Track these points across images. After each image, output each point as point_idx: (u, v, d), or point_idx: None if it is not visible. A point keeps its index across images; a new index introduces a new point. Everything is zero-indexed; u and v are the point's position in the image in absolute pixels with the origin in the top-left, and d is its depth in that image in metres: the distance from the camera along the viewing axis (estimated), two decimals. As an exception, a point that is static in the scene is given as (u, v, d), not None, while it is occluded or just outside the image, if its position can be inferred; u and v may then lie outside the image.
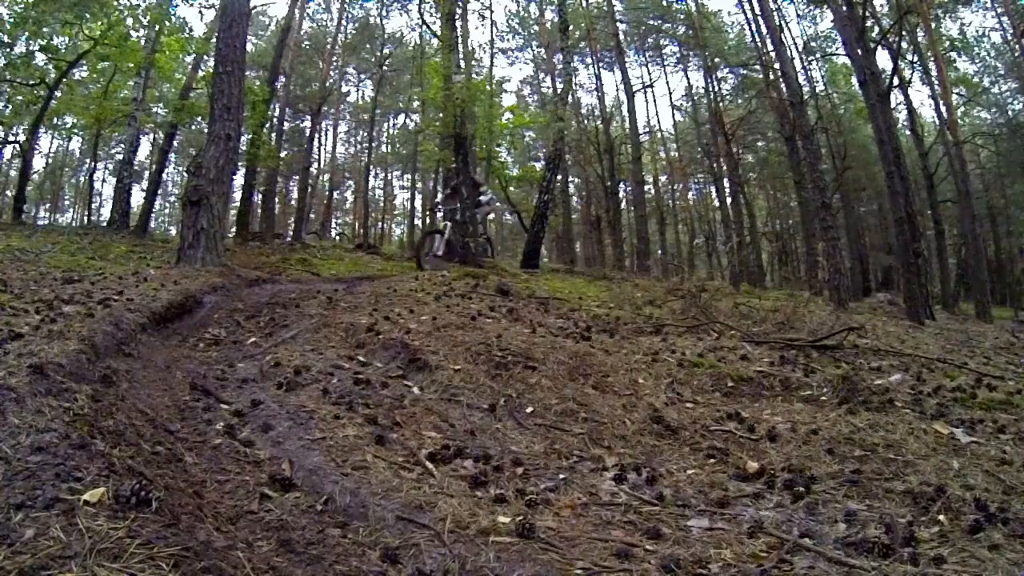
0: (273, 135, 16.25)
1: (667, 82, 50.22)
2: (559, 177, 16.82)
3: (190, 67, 14.23)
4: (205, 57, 13.03)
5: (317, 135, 23.50)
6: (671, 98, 34.39)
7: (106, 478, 1.41)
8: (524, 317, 4.77)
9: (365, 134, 27.25)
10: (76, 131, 18.89)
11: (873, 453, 2.39)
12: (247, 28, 7.72)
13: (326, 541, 1.57)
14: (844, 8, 10.47)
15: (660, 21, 20.50)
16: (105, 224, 13.84)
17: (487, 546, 1.64)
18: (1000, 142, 18.82)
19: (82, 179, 26.97)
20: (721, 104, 18.99)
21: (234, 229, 14.38)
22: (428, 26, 14.62)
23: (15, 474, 1.33)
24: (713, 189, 21.96)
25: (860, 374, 3.68)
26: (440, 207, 8.99)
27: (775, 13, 15.03)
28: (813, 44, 18.72)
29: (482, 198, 8.99)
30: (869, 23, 11.63)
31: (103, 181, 26.41)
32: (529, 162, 24.27)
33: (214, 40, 8.27)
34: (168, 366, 3.03)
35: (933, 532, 1.76)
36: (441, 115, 11.37)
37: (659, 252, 23.36)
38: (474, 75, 14.82)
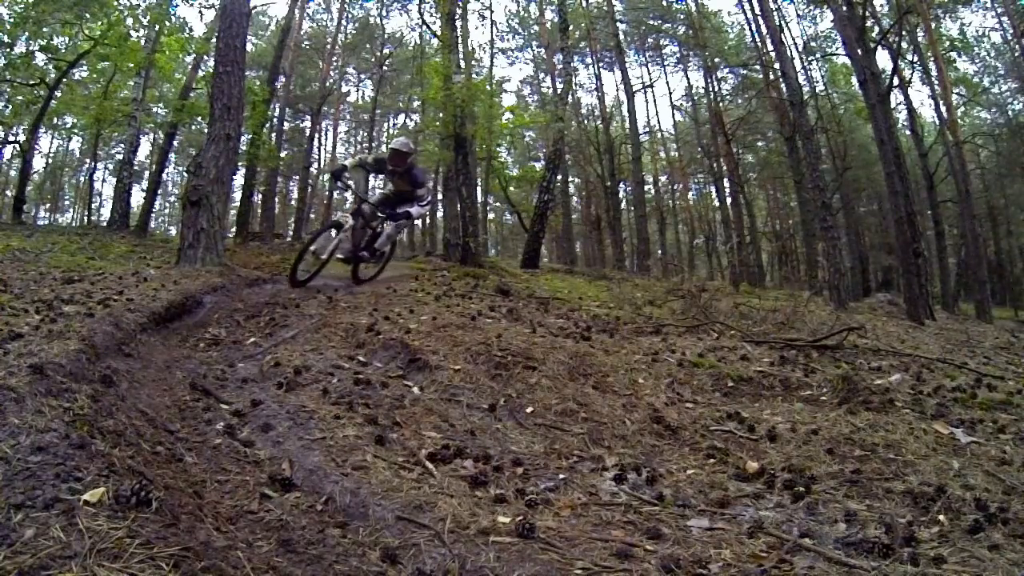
0: (273, 135, 16.26)
1: (667, 82, 50.27)
2: (559, 177, 16.83)
3: (190, 67, 14.26)
4: (205, 57, 13.05)
5: (317, 135, 23.54)
6: (671, 98, 34.44)
7: (106, 478, 1.41)
8: (524, 317, 4.77)
9: (365, 134, 27.26)
10: (76, 131, 18.93)
11: (873, 453, 2.39)
12: (247, 28, 7.71)
13: (326, 541, 1.57)
14: (844, 8, 10.48)
15: (660, 21, 20.51)
16: (105, 224, 13.86)
17: (487, 546, 1.64)
18: (1000, 142, 18.82)
19: (82, 179, 26.99)
20: (721, 104, 19.00)
21: (234, 229, 14.39)
22: (428, 26, 14.63)
23: (15, 474, 1.33)
24: (713, 189, 21.98)
25: (860, 374, 3.67)
26: (346, 179, 5.82)
27: (775, 13, 15.05)
28: (813, 44, 18.74)
29: (413, 210, 5.91)
30: (869, 23, 11.64)
31: (103, 181, 26.44)
32: (529, 162, 24.29)
33: (214, 40, 8.26)
34: (168, 366, 3.03)
35: (933, 532, 1.76)
36: (441, 115, 11.37)
37: (659, 252, 23.36)
38: (474, 75, 14.82)
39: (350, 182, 5.98)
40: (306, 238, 5.82)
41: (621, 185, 21.85)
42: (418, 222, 7.39)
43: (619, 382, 3.30)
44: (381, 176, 6.46)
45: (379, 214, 5.97)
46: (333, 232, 5.59)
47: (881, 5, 14.40)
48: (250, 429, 2.32)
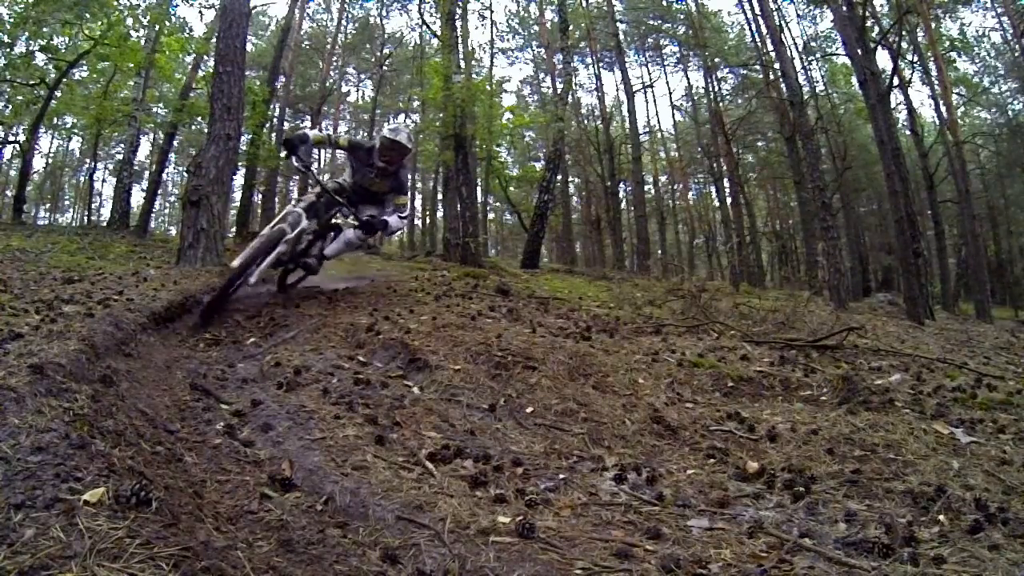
0: (273, 135, 16.27)
1: (667, 82, 50.31)
2: (559, 177, 16.84)
3: (190, 67, 14.28)
4: (205, 57, 13.06)
5: (317, 135, 23.48)
6: (671, 98, 34.42)
7: (106, 478, 1.41)
8: (524, 317, 4.77)
9: (365, 134, 27.27)
10: (76, 131, 18.94)
11: (873, 453, 2.39)
12: (247, 28, 7.71)
13: (326, 541, 1.57)
14: (844, 8, 10.49)
15: (660, 21, 20.53)
16: (105, 224, 13.86)
17: (487, 546, 1.64)
18: (1000, 142, 18.84)
19: (82, 179, 26.99)
20: (721, 104, 19.01)
21: (234, 229, 14.40)
22: (428, 26, 14.67)
23: (15, 474, 1.33)
24: (713, 189, 22.00)
25: (860, 374, 3.67)
26: (303, 154, 4.35)
27: (775, 13, 15.07)
28: (813, 44, 18.76)
29: (392, 219, 4.69)
30: (869, 23, 11.65)
31: (103, 181, 26.43)
32: (529, 162, 24.29)
33: (214, 40, 8.27)
34: (168, 366, 3.03)
35: (933, 532, 1.76)
36: (441, 115, 11.38)
37: (659, 252, 23.36)
38: (474, 75, 14.83)
39: (310, 161, 4.42)
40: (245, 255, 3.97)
41: (621, 185, 21.87)
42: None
43: (619, 382, 3.30)
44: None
45: (342, 213, 4.68)
46: (273, 250, 4.11)
47: (881, 5, 14.43)
48: (250, 429, 2.32)
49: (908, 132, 15.59)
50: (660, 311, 6.16)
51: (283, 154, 4.49)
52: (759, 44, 16.65)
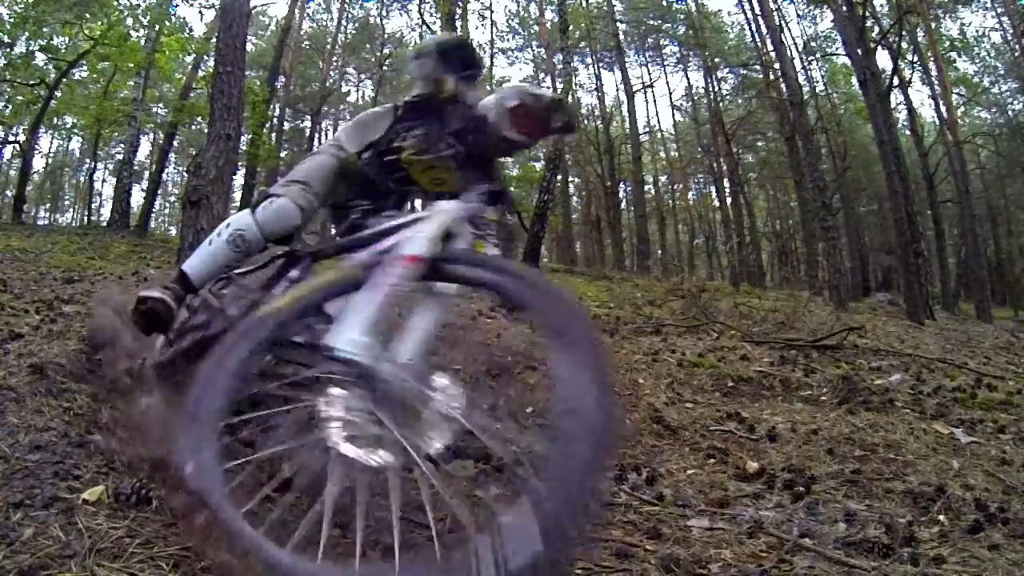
0: (273, 135, 16.29)
1: (667, 82, 49.97)
2: (559, 177, 16.83)
3: (190, 67, 14.28)
4: (205, 57, 13.07)
5: (317, 135, 23.53)
6: (671, 98, 34.27)
7: (105, 476, 1.41)
8: (524, 317, 4.77)
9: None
10: (76, 131, 18.95)
11: (873, 453, 2.39)
12: (247, 28, 7.69)
13: (326, 541, 1.56)
14: (844, 8, 10.50)
15: (660, 21, 20.53)
16: (105, 224, 13.87)
17: (487, 546, 1.63)
18: (1000, 142, 18.84)
19: (82, 179, 27.00)
20: (721, 104, 19.01)
21: (234, 229, 14.40)
22: (428, 26, 14.67)
23: (14, 473, 1.33)
24: (713, 189, 22.02)
25: (860, 374, 3.67)
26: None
27: (775, 13, 15.08)
28: (813, 44, 18.76)
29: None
30: (869, 23, 11.64)
31: (103, 181, 26.41)
32: (529, 162, 24.30)
33: (214, 40, 8.27)
34: (168, 366, 3.03)
35: (933, 532, 1.76)
36: (441, 115, 11.37)
37: (659, 252, 23.38)
38: (474, 75, 14.80)
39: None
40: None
41: (621, 185, 21.89)
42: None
43: (619, 382, 3.30)
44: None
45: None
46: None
47: (881, 5, 14.41)
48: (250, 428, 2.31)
49: (908, 132, 15.60)
50: (660, 311, 6.16)
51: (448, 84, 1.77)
52: (759, 44, 16.67)
